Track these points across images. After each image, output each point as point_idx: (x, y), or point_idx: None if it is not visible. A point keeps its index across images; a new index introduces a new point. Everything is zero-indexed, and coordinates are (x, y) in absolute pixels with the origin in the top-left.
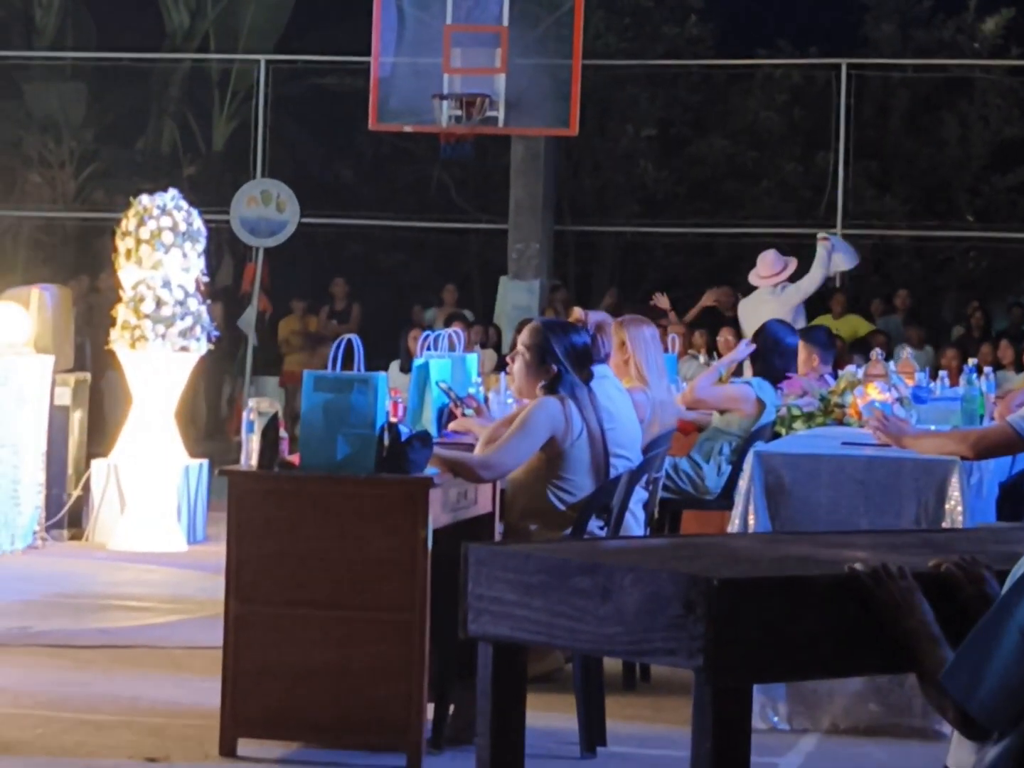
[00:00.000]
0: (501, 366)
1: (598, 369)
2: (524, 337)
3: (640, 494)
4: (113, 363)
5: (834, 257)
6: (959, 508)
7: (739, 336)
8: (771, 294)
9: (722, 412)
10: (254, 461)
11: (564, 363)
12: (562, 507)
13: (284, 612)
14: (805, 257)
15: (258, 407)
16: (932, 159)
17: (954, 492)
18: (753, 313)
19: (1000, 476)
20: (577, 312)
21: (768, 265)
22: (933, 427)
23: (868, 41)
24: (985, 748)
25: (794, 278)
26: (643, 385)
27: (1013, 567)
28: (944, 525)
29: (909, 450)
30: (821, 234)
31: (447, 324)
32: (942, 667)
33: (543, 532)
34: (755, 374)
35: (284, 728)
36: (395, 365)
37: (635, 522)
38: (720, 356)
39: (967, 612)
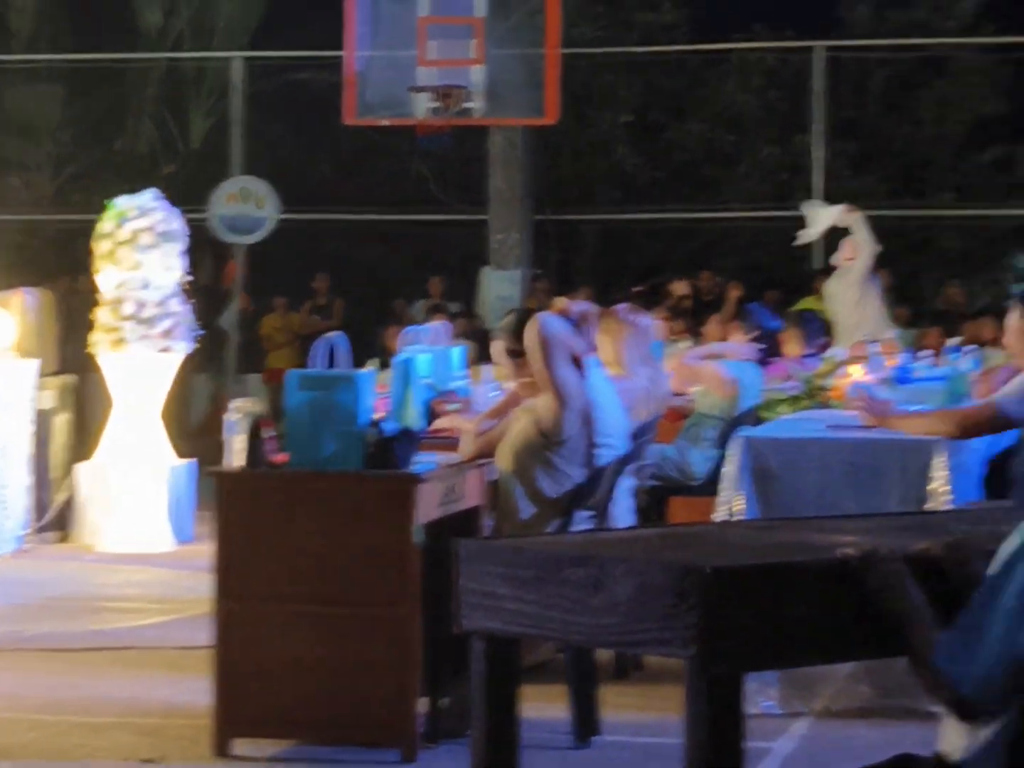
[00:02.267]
0: (485, 357)
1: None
2: (527, 332)
3: (627, 482)
4: (94, 365)
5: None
6: (945, 488)
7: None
8: (837, 277)
9: (702, 392)
10: (239, 460)
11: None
12: (553, 495)
13: (274, 610)
14: (786, 237)
15: (242, 406)
16: (910, 138)
17: (940, 472)
18: (832, 296)
19: (986, 454)
20: (562, 302)
21: (846, 247)
22: (918, 407)
23: (843, 22)
24: (977, 730)
25: None
26: (628, 374)
27: (1000, 546)
28: (930, 505)
29: (895, 431)
30: (845, 207)
31: (429, 316)
32: (934, 649)
33: (533, 522)
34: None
35: (278, 726)
36: (374, 362)
37: (622, 510)
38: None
39: (957, 594)
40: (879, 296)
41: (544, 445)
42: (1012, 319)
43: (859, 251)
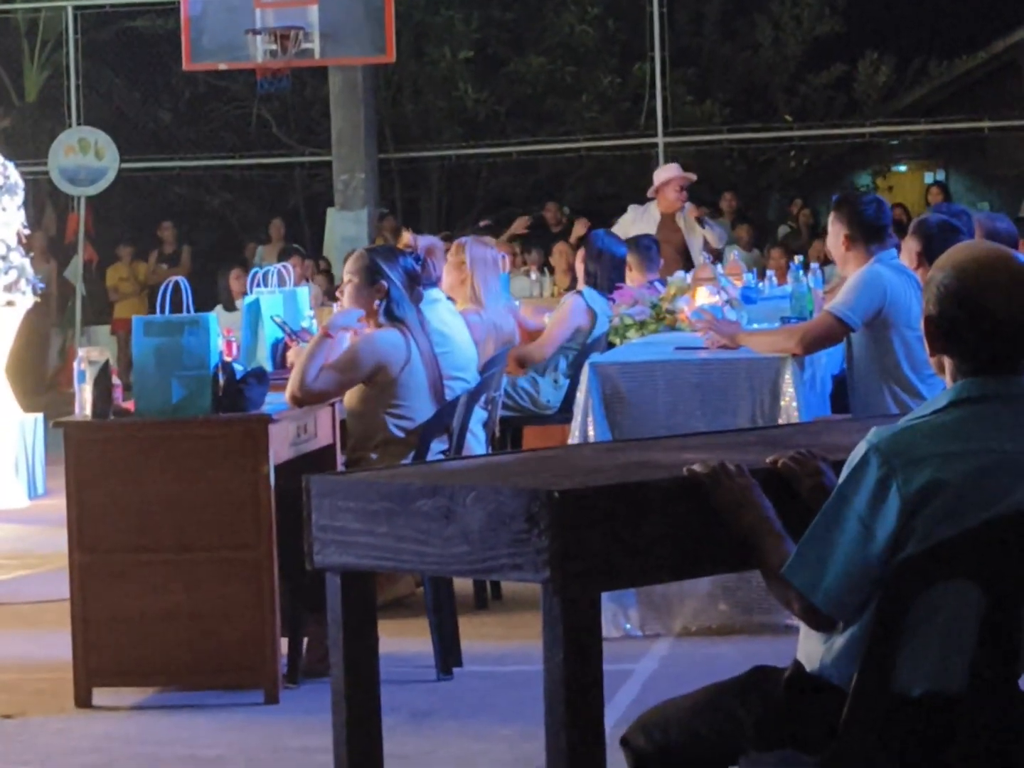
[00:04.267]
0: (333, 298)
1: (430, 293)
2: (349, 265)
3: (480, 414)
4: None
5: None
6: (794, 404)
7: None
8: (634, 211)
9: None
10: (88, 411)
11: (393, 280)
12: (402, 434)
13: (130, 559)
14: (630, 166)
15: (88, 356)
16: (748, 62)
17: (788, 388)
18: (630, 224)
19: (833, 369)
20: (407, 237)
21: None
22: (763, 326)
23: None
24: (832, 638)
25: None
26: (478, 306)
27: (848, 457)
28: (780, 421)
29: (744, 348)
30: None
31: (281, 259)
32: (785, 561)
33: (384, 460)
34: (586, 284)
35: (138, 674)
36: (219, 307)
37: (476, 442)
38: (552, 272)
39: (808, 505)
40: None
41: (381, 387)
42: (829, 225)
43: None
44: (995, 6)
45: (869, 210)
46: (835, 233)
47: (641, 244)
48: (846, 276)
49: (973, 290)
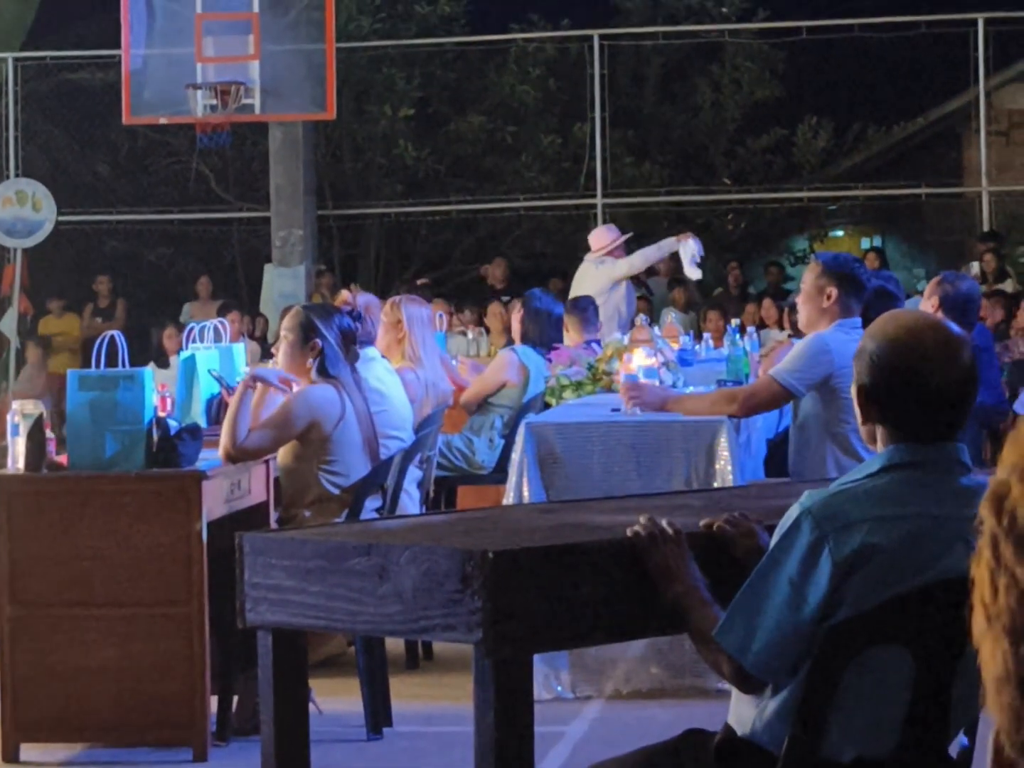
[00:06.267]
0: (268, 354)
1: (367, 351)
2: (285, 322)
3: (414, 473)
4: None
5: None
6: (729, 467)
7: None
8: (594, 266)
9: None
10: (21, 464)
11: (328, 338)
12: (336, 491)
13: (61, 613)
14: (569, 226)
15: (22, 409)
16: (687, 125)
17: (723, 452)
18: (578, 286)
19: (768, 433)
20: (345, 295)
21: (598, 238)
22: (699, 389)
23: (619, 11)
24: (764, 702)
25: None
26: (415, 364)
27: (780, 520)
28: (715, 484)
29: (674, 414)
30: (686, 235)
31: (221, 314)
32: (714, 626)
33: (318, 518)
34: (522, 343)
35: (67, 730)
36: (152, 365)
37: (411, 501)
38: (488, 331)
39: (741, 568)
40: (624, 299)
41: (314, 444)
42: (808, 280)
43: (639, 253)
44: (934, 74)
45: (864, 275)
46: (819, 288)
47: (579, 305)
48: (817, 330)
49: (905, 359)
